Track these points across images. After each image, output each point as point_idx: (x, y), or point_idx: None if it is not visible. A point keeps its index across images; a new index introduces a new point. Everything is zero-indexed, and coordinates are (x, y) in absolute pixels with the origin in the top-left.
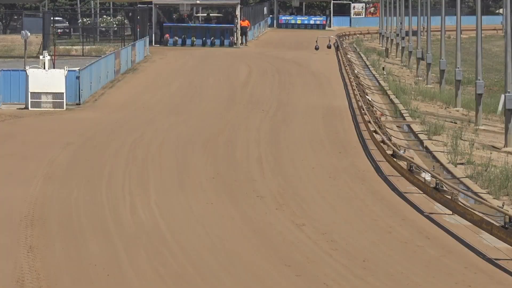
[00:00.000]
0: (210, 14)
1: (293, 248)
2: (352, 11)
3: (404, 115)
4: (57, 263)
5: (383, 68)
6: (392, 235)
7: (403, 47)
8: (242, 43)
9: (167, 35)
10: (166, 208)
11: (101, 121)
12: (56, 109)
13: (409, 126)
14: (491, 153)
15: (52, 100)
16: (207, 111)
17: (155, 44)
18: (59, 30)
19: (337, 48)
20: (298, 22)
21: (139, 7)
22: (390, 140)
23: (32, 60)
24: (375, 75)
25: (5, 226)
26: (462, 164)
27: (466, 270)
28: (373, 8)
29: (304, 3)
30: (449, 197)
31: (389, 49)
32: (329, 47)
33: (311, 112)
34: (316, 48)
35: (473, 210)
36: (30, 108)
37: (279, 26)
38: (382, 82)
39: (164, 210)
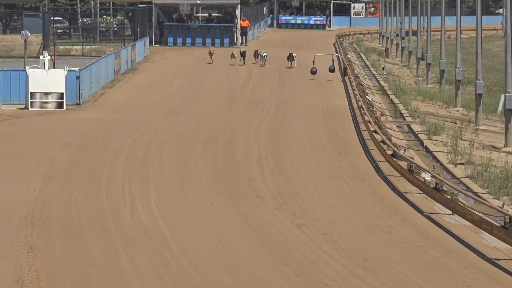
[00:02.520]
0: (211, 14)
1: (293, 248)
2: (352, 11)
3: (404, 115)
4: (57, 263)
5: (383, 68)
6: (392, 235)
7: (403, 47)
8: (242, 43)
9: (211, 48)
10: (166, 208)
11: (101, 121)
12: (56, 109)
13: (409, 126)
14: (491, 153)
15: (52, 100)
16: (207, 111)
17: (155, 44)
18: (59, 30)
19: (344, 72)
20: (298, 22)
21: (139, 7)
22: (390, 140)
23: (32, 60)
24: (375, 75)
25: (5, 226)
26: (462, 164)
27: (466, 270)
28: (373, 8)
29: (304, 3)
30: (449, 197)
31: (389, 49)
32: (332, 70)
33: (311, 112)
34: (313, 72)
35: (473, 210)
36: (30, 108)
37: (279, 26)
38: (382, 82)
39: (164, 210)
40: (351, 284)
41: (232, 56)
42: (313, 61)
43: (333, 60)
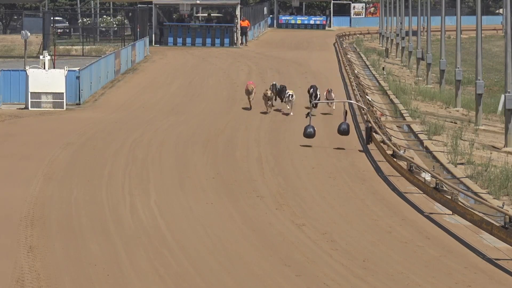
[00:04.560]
0: (211, 14)
1: (293, 248)
2: (352, 11)
3: (404, 115)
4: (57, 263)
5: (383, 68)
6: (392, 235)
7: (403, 47)
8: (242, 43)
9: (251, 85)
10: (166, 208)
11: (101, 121)
12: (56, 109)
13: (409, 126)
14: (491, 153)
15: (52, 100)
16: (207, 111)
17: (155, 44)
18: (59, 30)
19: (368, 136)
20: (298, 22)
21: (139, 7)
22: (390, 140)
23: (32, 60)
24: (375, 75)
25: (5, 226)
26: (462, 164)
27: (466, 270)
28: (373, 8)
29: (304, 3)
30: (449, 197)
31: (389, 49)
32: (343, 131)
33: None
34: (308, 134)
35: (473, 210)
36: (30, 108)
37: (279, 26)
38: (382, 82)
39: (164, 210)
40: (351, 284)
41: (265, 97)
42: (309, 113)
43: (346, 113)
